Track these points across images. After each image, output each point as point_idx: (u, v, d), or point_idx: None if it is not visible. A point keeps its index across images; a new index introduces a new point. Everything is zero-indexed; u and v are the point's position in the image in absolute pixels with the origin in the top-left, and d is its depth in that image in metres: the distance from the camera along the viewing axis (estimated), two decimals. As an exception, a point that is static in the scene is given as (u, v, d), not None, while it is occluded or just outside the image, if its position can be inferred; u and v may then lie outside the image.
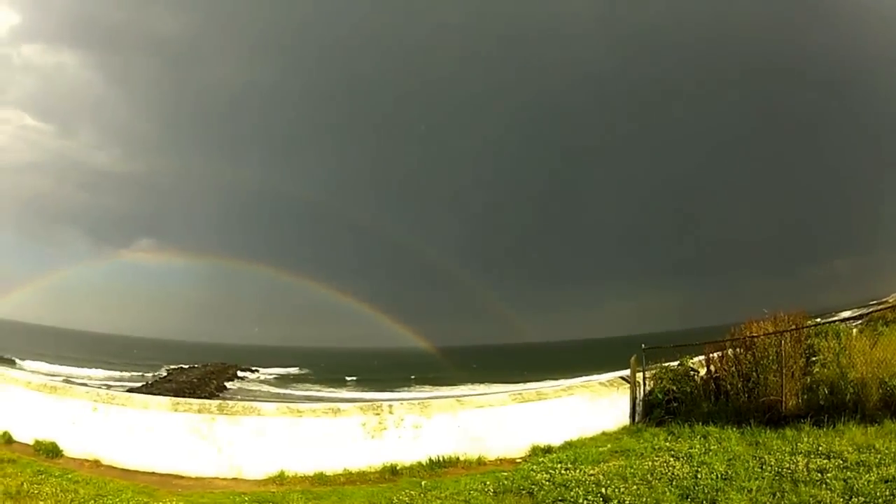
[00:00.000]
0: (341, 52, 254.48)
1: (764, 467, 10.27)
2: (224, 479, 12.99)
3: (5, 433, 14.05)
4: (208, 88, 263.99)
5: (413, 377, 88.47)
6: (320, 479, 12.83)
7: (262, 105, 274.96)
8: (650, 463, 11.11)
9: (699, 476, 10.18)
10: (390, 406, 14.00)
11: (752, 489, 9.49)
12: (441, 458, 13.28)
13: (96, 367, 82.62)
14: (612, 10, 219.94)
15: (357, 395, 69.72)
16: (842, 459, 10.04)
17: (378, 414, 13.70)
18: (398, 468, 13.03)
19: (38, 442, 13.67)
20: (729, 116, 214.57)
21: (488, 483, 11.34)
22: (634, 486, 10.06)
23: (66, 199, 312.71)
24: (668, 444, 12.35)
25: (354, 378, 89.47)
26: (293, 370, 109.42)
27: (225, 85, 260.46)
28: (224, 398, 43.09)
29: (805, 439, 11.13)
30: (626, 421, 14.83)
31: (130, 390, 32.91)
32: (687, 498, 9.49)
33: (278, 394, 72.65)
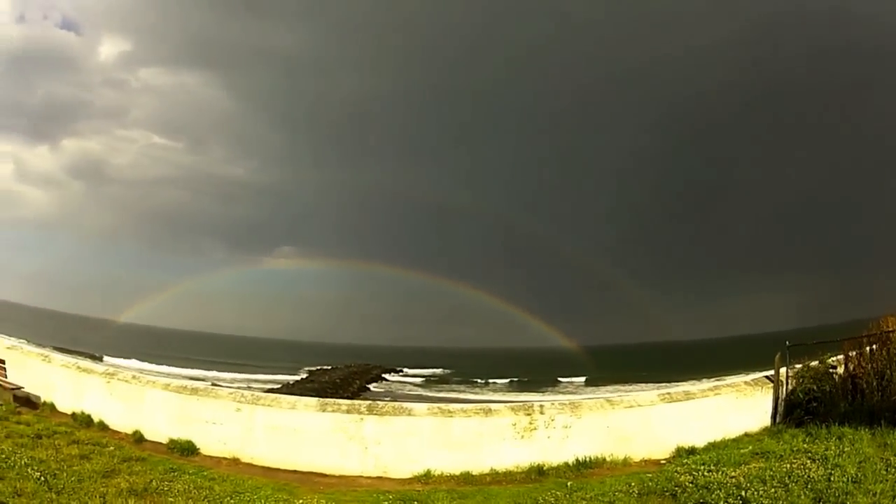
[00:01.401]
0: (469, 54, 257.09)
1: (889, 469, 10.33)
2: (368, 478, 13.44)
3: (136, 432, 14.91)
4: (334, 97, 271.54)
5: (561, 379, 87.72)
6: (466, 478, 13.12)
7: (391, 110, 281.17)
8: (788, 465, 11.09)
9: (832, 479, 10.17)
10: (541, 407, 14.17)
11: (876, 492, 9.52)
12: (588, 459, 13.45)
13: (233, 371, 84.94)
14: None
15: (505, 396, 69.22)
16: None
17: (529, 414, 13.92)
18: (545, 468, 13.24)
19: (172, 441, 14.50)
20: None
21: (633, 484, 11.42)
22: (772, 489, 10.07)
23: (202, 211, 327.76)
24: (805, 445, 12.33)
25: (507, 380, 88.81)
26: (437, 370, 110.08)
27: (350, 93, 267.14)
28: (365, 399, 43.59)
29: (934, 441, 10.95)
30: (767, 421, 14.69)
31: (270, 391, 33.56)
32: (819, 501, 9.54)
33: (423, 395, 73.01)
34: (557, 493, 11.34)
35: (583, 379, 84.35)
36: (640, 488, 11.12)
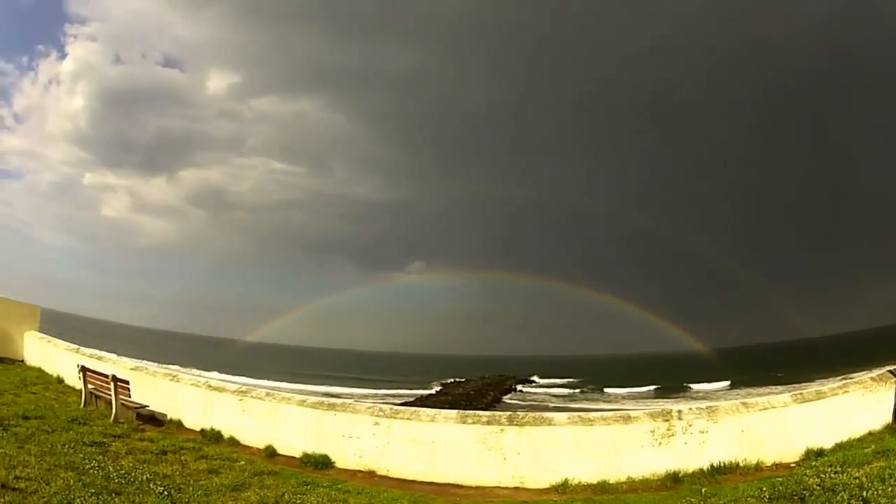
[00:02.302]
0: (584, 59, 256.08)
1: None
2: (506, 489, 13.52)
3: (268, 447, 15.35)
4: (454, 111, 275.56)
5: (697, 386, 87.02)
6: (602, 487, 13.11)
7: (511, 120, 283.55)
8: None
9: None
10: (679, 412, 14.10)
11: None
12: (722, 465, 13.34)
13: (365, 387, 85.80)
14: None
15: (641, 404, 67.81)
16: None
17: (668, 420, 13.86)
18: (680, 475, 13.17)
19: (305, 455, 14.83)
20: None
21: (764, 489, 11.26)
22: (890, 488, 9.98)
23: (329, 231, 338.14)
24: None
25: (647, 388, 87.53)
26: (571, 379, 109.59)
27: (470, 106, 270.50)
28: (500, 409, 43.18)
29: None
30: (889, 418, 14.42)
31: (404, 405, 33.62)
32: None
33: (558, 405, 72.55)
34: (692, 499, 11.40)
35: (727, 383, 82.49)
36: (770, 493, 11.01)
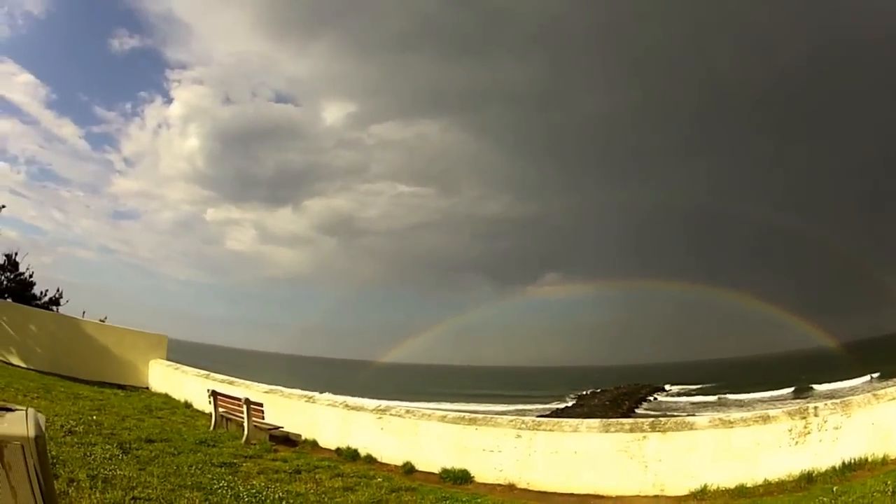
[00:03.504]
0: (694, 59, 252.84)
1: None
2: (646, 497, 13.47)
3: (406, 463, 15.51)
4: (574, 122, 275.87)
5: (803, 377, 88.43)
6: (740, 491, 12.91)
7: (632, 126, 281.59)
8: None
9: None
10: (816, 408, 13.74)
11: None
12: (853, 461, 12.97)
13: (502, 403, 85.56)
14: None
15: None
16: None
17: (805, 418, 13.52)
18: (813, 475, 12.85)
19: (444, 470, 14.90)
20: None
21: (889, 483, 11.10)
22: None
23: (463, 250, 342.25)
24: None
25: (787, 389, 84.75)
26: (707, 384, 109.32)
27: (589, 116, 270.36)
28: (637, 417, 42.42)
29: None
30: None
31: (540, 416, 33.33)
32: None
33: (692, 408, 71.68)
34: (823, 499, 11.16)
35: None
36: (894, 486, 10.83)
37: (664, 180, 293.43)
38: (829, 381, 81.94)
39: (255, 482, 12.27)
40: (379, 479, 13.84)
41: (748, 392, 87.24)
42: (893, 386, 14.82)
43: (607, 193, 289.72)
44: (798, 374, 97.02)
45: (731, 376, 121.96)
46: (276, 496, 11.22)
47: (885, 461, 12.75)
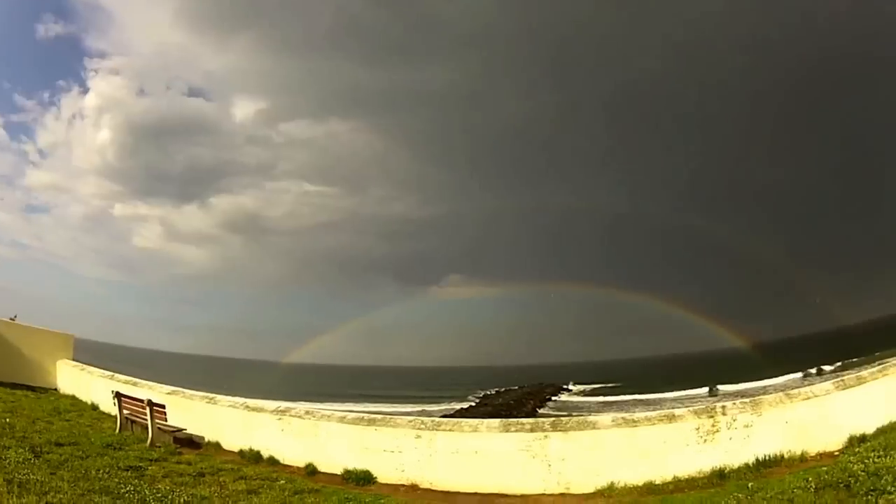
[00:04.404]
0: (618, 62, 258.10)
1: None
2: (551, 495, 13.54)
3: (309, 465, 15.38)
4: (490, 126, 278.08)
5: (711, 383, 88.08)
6: (649, 488, 13.09)
7: (547, 133, 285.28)
8: None
9: None
10: (723, 407, 14.09)
11: None
12: (767, 458, 13.26)
13: (404, 403, 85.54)
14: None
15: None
16: None
17: (712, 417, 13.83)
18: (726, 472, 13.10)
19: (347, 471, 14.81)
20: None
21: (810, 479, 11.21)
22: None
23: (367, 250, 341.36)
24: None
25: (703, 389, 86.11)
26: (611, 384, 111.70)
27: (506, 120, 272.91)
28: (541, 416, 42.94)
29: None
30: None
31: (444, 416, 33.47)
32: None
33: (598, 407, 72.81)
34: (739, 495, 11.28)
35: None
36: (816, 482, 10.95)
37: (577, 184, 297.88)
38: (756, 380, 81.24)
39: (160, 486, 12.16)
40: (282, 482, 13.81)
41: (660, 392, 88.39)
42: (809, 385, 15.21)
43: (518, 196, 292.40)
44: (712, 374, 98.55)
45: (640, 376, 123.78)
46: (182, 500, 11.14)
47: (803, 458, 13.12)
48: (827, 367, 78.96)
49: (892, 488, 9.62)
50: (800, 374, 79.47)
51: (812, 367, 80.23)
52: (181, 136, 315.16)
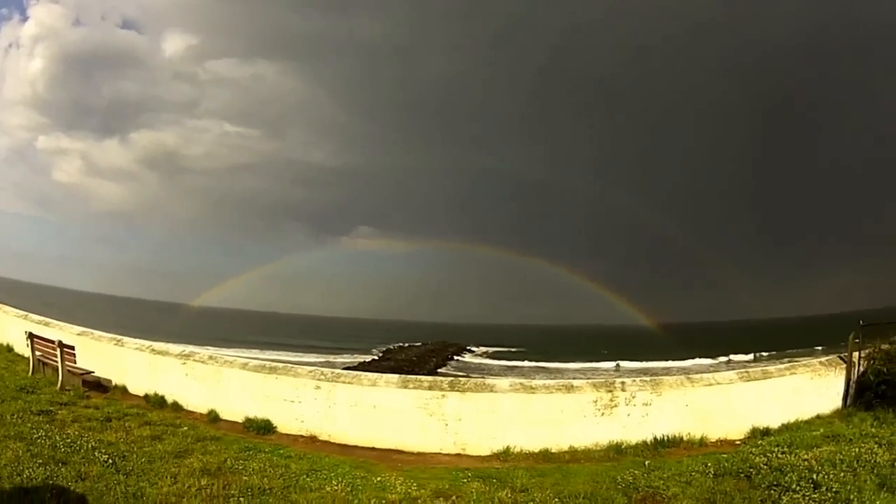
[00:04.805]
0: (551, 41, 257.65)
1: None
2: (447, 455, 13.57)
3: (211, 412, 15.37)
4: (417, 82, 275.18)
5: (605, 351, 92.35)
6: (545, 455, 13.21)
7: (474, 94, 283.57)
8: (857, 449, 11.06)
9: None
10: (623, 383, 14.28)
11: None
12: (666, 438, 13.54)
13: (310, 353, 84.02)
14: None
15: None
16: None
17: (611, 391, 14.01)
18: (623, 447, 13.34)
19: (248, 419, 14.84)
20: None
21: (709, 465, 11.39)
22: (842, 473, 10.09)
23: (282, 196, 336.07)
24: (873, 429, 12.35)
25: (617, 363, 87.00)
26: (514, 348, 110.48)
27: (434, 77, 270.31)
28: (442, 375, 43.52)
29: None
30: (838, 403, 14.65)
31: (347, 369, 33.57)
32: (883, 487, 9.54)
33: (499, 371, 73.07)
34: (635, 472, 11.33)
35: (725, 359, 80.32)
36: (716, 469, 11.12)
37: (496, 148, 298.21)
38: (666, 360, 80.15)
39: (70, 431, 12.19)
40: (185, 428, 13.76)
41: (564, 361, 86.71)
42: (708, 373, 15.69)
43: (437, 155, 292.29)
44: (619, 348, 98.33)
45: (545, 343, 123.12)
46: (90, 446, 11.19)
47: (703, 443, 13.42)
48: (741, 357, 78.77)
49: (798, 486, 9.77)
50: (709, 361, 78.06)
51: (723, 356, 79.27)
52: (109, 69, 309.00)
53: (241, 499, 9.53)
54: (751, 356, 78.75)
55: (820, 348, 47.05)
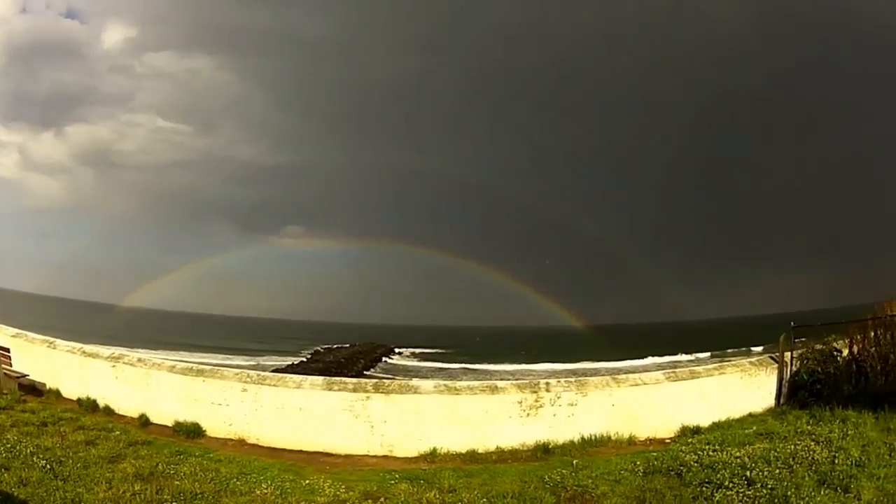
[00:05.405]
0: (485, 44, 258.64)
1: (893, 454, 10.48)
2: (374, 457, 13.54)
3: (142, 416, 15.08)
4: (351, 81, 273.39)
5: (523, 352, 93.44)
6: (472, 456, 13.17)
7: (412, 94, 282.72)
8: (792, 446, 11.20)
9: (836, 461, 10.34)
10: (547, 384, 14.32)
11: (880, 476, 9.64)
12: (593, 437, 13.61)
13: (239, 355, 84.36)
14: None
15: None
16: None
17: (535, 392, 14.02)
18: (550, 446, 13.34)
19: (178, 423, 14.62)
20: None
21: (638, 463, 11.50)
22: (777, 470, 10.19)
23: (213, 193, 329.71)
24: (809, 427, 12.47)
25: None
26: (442, 349, 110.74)
27: (368, 79, 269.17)
28: (371, 377, 43.58)
29: (934, 426, 11.06)
30: (771, 402, 14.83)
31: (275, 371, 33.44)
32: (823, 483, 9.60)
33: (427, 373, 72.99)
34: (563, 471, 11.37)
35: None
36: (645, 467, 11.20)
37: (435, 150, 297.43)
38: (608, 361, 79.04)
39: (9, 436, 12.17)
40: (117, 433, 13.57)
41: (493, 363, 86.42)
42: (634, 373, 15.63)
43: (372, 154, 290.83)
44: (551, 350, 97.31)
45: (475, 345, 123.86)
46: (28, 451, 11.21)
47: (632, 441, 13.50)
48: (683, 357, 78.24)
49: (731, 483, 9.82)
50: (642, 361, 76.81)
51: (658, 356, 78.37)
52: (50, 59, 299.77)
53: None
54: (692, 356, 77.68)
55: (760, 348, 47.83)
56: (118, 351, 18.03)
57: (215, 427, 14.69)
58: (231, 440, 14.36)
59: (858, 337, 14.25)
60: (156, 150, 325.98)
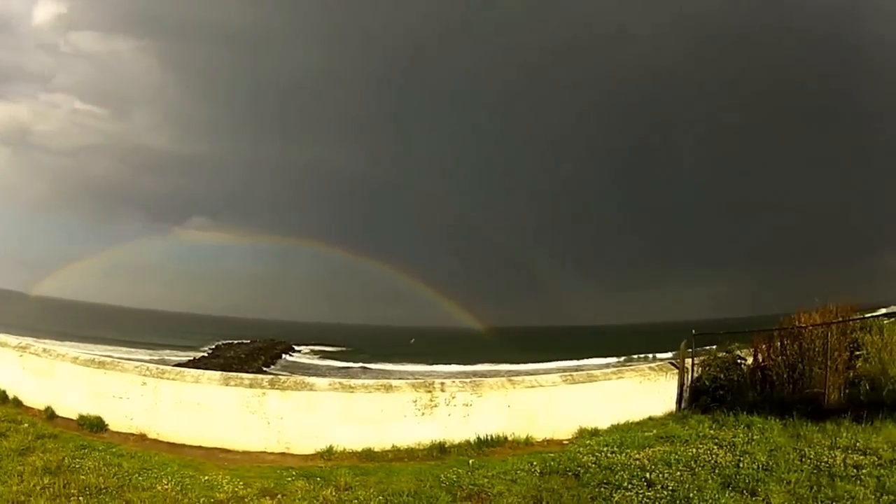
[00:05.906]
0: (395, 41, 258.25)
1: (804, 460, 10.41)
2: (272, 454, 13.47)
3: (48, 408, 14.66)
4: (266, 74, 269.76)
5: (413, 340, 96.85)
6: (368, 455, 13.22)
7: (332, 90, 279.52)
8: (694, 450, 11.31)
9: (741, 465, 10.38)
10: (442, 384, 14.35)
11: (790, 481, 9.64)
12: (489, 438, 13.63)
13: (143, 348, 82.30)
14: None
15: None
16: (877, 456, 10.11)
17: (430, 392, 14.06)
18: (447, 446, 13.39)
19: (82, 417, 14.27)
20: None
21: (535, 463, 11.58)
22: (678, 472, 10.28)
23: (126, 180, 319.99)
24: (712, 431, 12.53)
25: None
26: (343, 348, 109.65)
27: (283, 71, 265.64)
28: (270, 374, 43.75)
29: (844, 434, 11.16)
30: (672, 407, 15.04)
31: (177, 365, 33.36)
32: (728, 486, 9.66)
33: (326, 371, 72.84)
34: (459, 470, 11.51)
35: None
36: (542, 467, 11.33)
37: (353, 147, 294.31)
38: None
39: None
40: (26, 425, 13.26)
41: (396, 363, 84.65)
42: (531, 375, 15.70)
43: (285, 149, 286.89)
44: (455, 351, 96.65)
45: (379, 344, 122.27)
46: None
47: (529, 442, 13.55)
48: (596, 360, 74.75)
49: (630, 484, 9.92)
50: (555, 364, 74.71)
51: (566, 360, 76.15)
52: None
53: (81, 498, 9.59)
54: (604, 360, 75.74)
55: (670, 354, 49.28)
56: (25, 341, 17.34)
57: (117, 421, 14.35)
58: (133, 434, 14.11)
59: (763, 346, 14.48)
60: (72, 133, 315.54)
